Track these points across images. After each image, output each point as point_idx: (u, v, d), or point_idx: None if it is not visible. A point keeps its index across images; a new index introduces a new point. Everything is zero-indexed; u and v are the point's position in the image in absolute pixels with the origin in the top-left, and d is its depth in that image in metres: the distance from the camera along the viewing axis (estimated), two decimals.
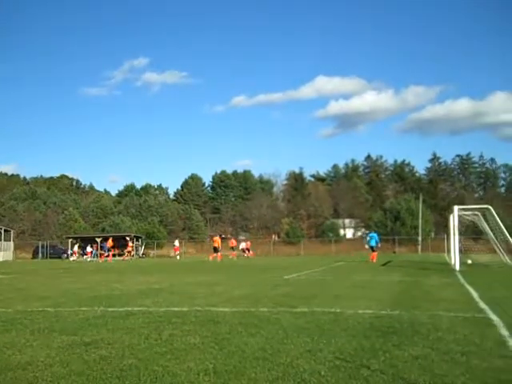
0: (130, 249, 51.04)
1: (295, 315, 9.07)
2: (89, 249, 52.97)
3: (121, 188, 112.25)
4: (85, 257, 51.87)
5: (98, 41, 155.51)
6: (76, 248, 53.88)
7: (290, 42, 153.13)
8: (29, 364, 5.70)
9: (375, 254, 33.88)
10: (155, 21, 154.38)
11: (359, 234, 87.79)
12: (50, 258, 56.42)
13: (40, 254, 59.32)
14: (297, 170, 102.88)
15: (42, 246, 60.25)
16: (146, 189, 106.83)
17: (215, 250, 41.22)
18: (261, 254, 59.98)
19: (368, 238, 35.87)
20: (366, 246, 36.04)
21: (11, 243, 59.35)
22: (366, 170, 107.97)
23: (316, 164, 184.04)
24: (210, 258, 40.62)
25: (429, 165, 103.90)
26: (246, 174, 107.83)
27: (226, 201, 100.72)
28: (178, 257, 44.97)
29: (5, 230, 59.91)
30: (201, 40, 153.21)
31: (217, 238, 42.10)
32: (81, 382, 5.00)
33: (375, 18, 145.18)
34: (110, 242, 50.15)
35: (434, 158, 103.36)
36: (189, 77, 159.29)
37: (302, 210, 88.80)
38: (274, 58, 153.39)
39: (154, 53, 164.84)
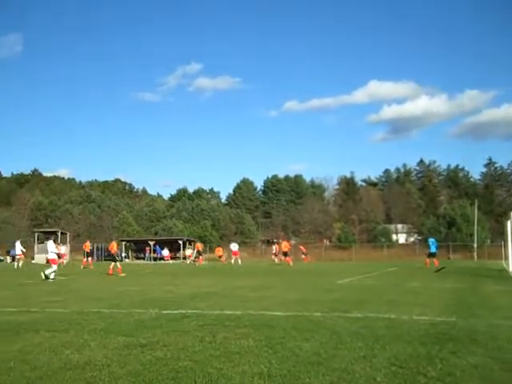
0: (200, 250, 50.33)
1: (349, 320, 9.00)
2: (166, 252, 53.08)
3: (173, 192, 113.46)
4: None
5: (153, 47, 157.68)
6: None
7: (343, 47, 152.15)
8: (87, 364, 5.81)
9: (434, 259, 33.48)
10: (208, 27, 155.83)
11: (412, 239, 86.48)
12: (105, 260, 57.40)
13: (95, 257, 60.46)
14: (348, 175, 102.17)
15: (97, 249, 61.35)
16: (199, 193, 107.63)
17: (285, 254, 42.93)
18: (313, 258, 59.59)
19: (430, 244, 35.37)
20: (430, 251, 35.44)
21: (67, 246, 60.61)
22: (419, 175, 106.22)
23: (367, 169, 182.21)
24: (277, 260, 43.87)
25: (484, 170, 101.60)
26: (298, 179, 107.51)
27: (277, 205, 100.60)
28: (233, 261, 44.73)
29: (61, 233, 61.24)
30: (253, 45, 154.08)
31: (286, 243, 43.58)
32: (137, 382, 5.07)
33: (429, 21, 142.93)
34: (198, 246, 50.29)
35: (490, 163, 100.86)
36: (241, 82, 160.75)
37: (354, 214, 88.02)
38: (327, 62, 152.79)
39: (207, 58, 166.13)
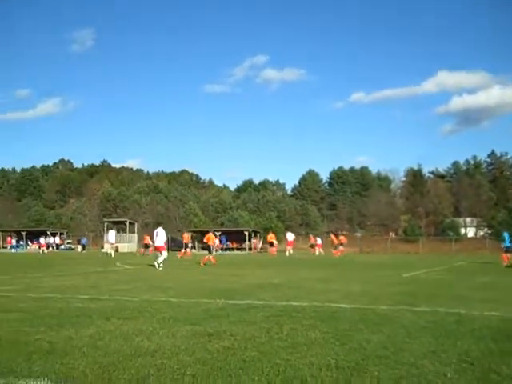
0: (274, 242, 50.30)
1: (417, 314, 8.86)
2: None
3: (239, 183, 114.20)
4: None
5: (221, 39, 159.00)
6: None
7: (412, 36, 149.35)
8: (156, 351, 5.93)
9: (508, 255, 32.37)
10: (275, 19, 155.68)
11: (481, 233, 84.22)
12: (172, 250, 58.20)
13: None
14: (415, 167, 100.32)
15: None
16: (264, 184, 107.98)
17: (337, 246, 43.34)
18: (378, 251, 58.98)
19: (505, 238, 34.18)
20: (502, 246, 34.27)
21: (135, 235, 61.85)
22: (490, 167, 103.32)
23: (435, 161, 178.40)
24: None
25: None
26: (364, 171, 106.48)
27: (343, 197, 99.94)
28: (287, 253, 44.29)
29: (129, 223, 62.58)
30: (319, 37, 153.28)
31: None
32: (205, 370, 5.12)
33: (502, 7, 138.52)
34: (271, 236, 50.62)
35: None
36: (307, 74, 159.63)
37: (421, 207, 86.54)
38: (395, 53, 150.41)
39: (274, 50, 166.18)
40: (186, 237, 45.16)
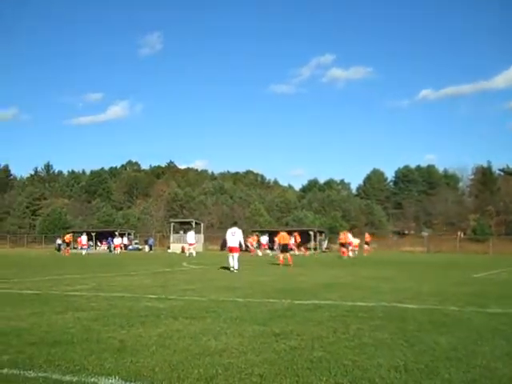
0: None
1: (488, 316, 8.63)
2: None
3: (304, 183, 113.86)
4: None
5: (287, 39, 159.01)
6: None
7: (482, 31, 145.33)
8: (223, 350, 5.97)
9: None
10: (341, 18, 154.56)
11: None
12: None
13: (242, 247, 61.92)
14: (484, 164, 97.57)
15: None
16: (329, 184, 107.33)
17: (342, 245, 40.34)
18: (446, 251, 57.83)
19: None
20: None
21: (201, 235, 62.50)
22: None
23: (506, 157, 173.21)
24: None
25: None
26: (430, 169, 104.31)
27: (408, 196, 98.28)
28: (351, 254, 42.82)
29: (195, 223, 63.31)
30: (386, 35, 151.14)
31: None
32: (273, 370, 5.13)
33: None
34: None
35: None
36: (374, 72, 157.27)
37: (491, 206, 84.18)
38: (464, 48, 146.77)
39: (340, 49, 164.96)
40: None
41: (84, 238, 51.12)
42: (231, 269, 20.66)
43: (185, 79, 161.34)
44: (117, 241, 56.98)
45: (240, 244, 21.88)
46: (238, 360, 5.52)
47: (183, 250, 51.27)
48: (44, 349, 6.00)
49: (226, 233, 22.22)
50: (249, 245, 45.08)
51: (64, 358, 5.60)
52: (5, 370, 5.08)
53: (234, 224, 23.70)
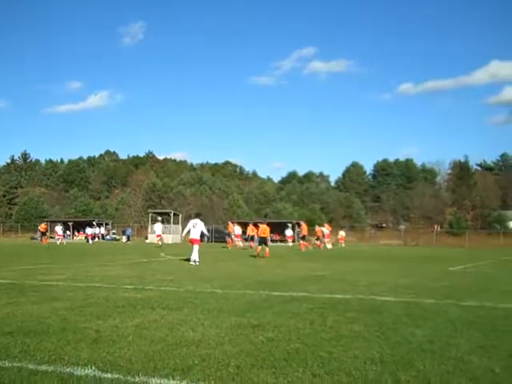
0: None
1: (463, 308, 8.72)
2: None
3: (283, 175, 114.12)
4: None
5: (269, 30, 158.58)
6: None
7: (462, 25, 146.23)
8: (201, 341, 5.96)
9: None
10: (322, 10, 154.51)
11: None
12: (215, 241, 58.64)
13: (206, 238, 61.80)
14: (462, 159, 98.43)
15: (208, 230, 62.61)
16: (308, 176, 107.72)
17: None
18: (423, 244, 58.34)
19: None
20: None
21: (179, 226, 62.31)
22: None
23: (483, 153, 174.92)
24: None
25: None
26: (409, 163, 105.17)
27: (387, 189, 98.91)
28: (329, 245, 43.02)
29: (174, 214, 63.15)
30: (367, 28, 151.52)
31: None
32: (250, 361, 5.13)
33: None
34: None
35: None
36: (355, 65, 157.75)
37: (467, 200, 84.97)
38: (444, 42, 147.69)
39: (322, 42, 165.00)
40: (231, 226, 45.24)
41: (59, 228, 50.45)
42: (191, 262, 19.72)
43: (165, 70, 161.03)
44: (90, 231, 56.43)
45: (202, 235, 21.42)
46: (214, 351, 5.51)
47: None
48: (19, 338, 5.96)
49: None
50: (232, 236, 44.90)
51: (39, 348, 5.56)
52: None
53: (197, 215, 22.76)
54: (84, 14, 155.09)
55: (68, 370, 4.76)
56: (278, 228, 59.56)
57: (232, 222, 47.65)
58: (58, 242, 47.43)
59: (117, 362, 5.06)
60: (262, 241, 27.35)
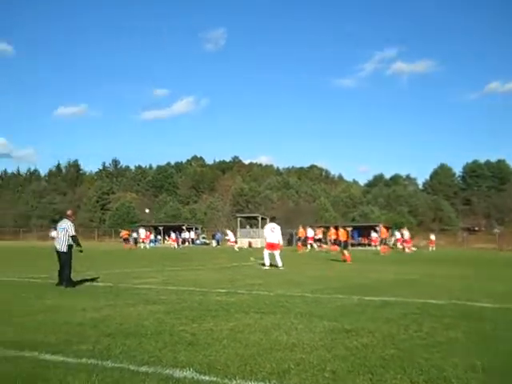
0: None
1: None
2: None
3: (370, 178, 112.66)
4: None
5: (351, 32, 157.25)
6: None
7: None
8: (295, 345, 5.97)
9: None
10: (407, 11, 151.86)
11: None
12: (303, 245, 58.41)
13: (294, 242, 61.73)
14: None
15: (290, 235, 62.60)
16: (395, 179, 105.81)
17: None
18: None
19: None
20: None
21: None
22: None
23: None
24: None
25: None
26: (501, 164, 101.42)
27: (478, 192, 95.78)
28: (408, 250, 42.08)
29: (262, 218, 63.48)
30: (450, 27, 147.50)
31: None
32: (345, 367, 5.08)
33: None
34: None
35: None
36: (438, 65, 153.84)
37: None
38: None
39: (404, 43, 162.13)
40: (302, 231, 44.68)
41: (142, 232, 51.38)
42: (265, 267, 19.40)
43: (249, 74, 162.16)
44: (176, 235, 57.41)
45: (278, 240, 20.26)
46: (309, 356, 5.50)
47: (250, 244, 51.74)
48: (119, 340, 6.15)
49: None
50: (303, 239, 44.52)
51: (139, 349, 5.73)
52: (83, 360, 5.23)
53: (272, 219, 21.65)
54: (168, 23, 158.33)
55: (167, 371, 4.87)
56: (364, 231, 58.94)
57: (303, 226, 46.94)
58: (142, 247, 48.66)
59: (213, 364, 5.13)
60: (342, 244, 27.25)
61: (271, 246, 19.93)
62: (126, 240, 52.45)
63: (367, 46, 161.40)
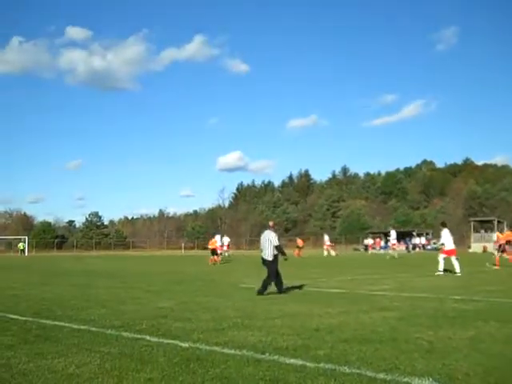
0: None
1: None
2: None
3: None
4: None
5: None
6: None
7: None
8: None
9: None
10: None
11: None
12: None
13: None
14: None
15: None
16: None
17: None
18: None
19: None
20: None
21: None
22: None
23: None
24: None
25: None
26: None
27: None
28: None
29: (498, 222, 60.14)
30: None
31: None
32: None
33: None
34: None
35: None
36: None
37: None
38: None
39: None
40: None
41: (226, 240, 41.96)
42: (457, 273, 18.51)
43: (481, 72, 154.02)
44: (370, 241, 56.11)
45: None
46: None
47: (485, 249, 49.10)
48: (355, 346, 6.18)
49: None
50: None
51: (375, 356, 5.69)
52: (321, 364, 5.32)
53: (444, 224, 19.54)
54: (393, 26, 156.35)
55: (405, 379, 4.78)
56: None
57: None
58: (227, 254, 41.74)
59: (453, 374, 4.93)
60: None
61: (451, 252, 19.24)
62: (214, 251, 34.84)
63: None
